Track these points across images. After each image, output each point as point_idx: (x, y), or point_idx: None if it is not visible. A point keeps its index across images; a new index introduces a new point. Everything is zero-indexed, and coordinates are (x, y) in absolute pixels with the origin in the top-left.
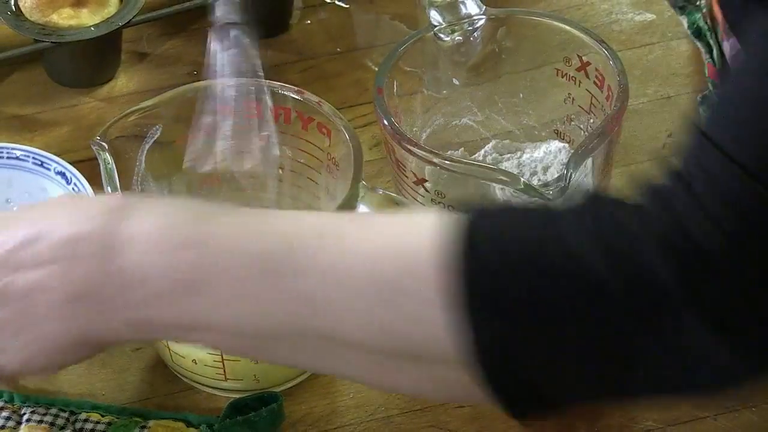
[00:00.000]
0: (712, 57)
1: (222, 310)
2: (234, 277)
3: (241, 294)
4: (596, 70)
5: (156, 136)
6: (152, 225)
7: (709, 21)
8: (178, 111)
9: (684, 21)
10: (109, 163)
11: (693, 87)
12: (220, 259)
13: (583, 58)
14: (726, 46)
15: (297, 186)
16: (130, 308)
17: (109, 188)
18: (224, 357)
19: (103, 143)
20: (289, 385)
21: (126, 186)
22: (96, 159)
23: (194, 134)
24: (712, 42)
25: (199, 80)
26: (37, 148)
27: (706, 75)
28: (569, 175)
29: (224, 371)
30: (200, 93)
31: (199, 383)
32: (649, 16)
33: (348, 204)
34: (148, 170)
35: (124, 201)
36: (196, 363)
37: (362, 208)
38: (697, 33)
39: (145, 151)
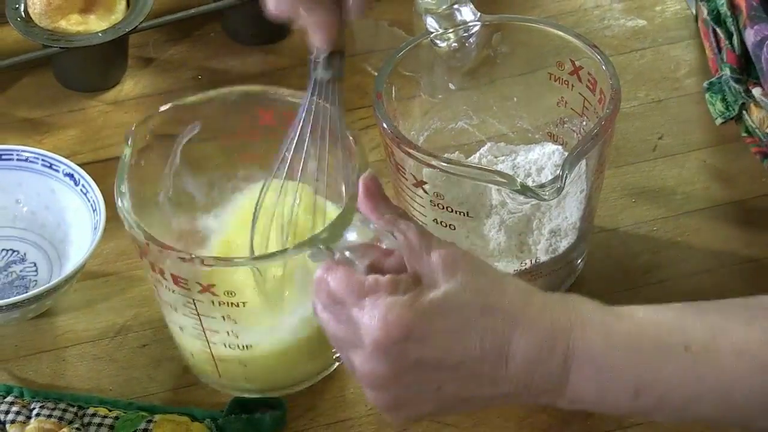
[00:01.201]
0: (731, 43)
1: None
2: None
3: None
4: (589, 74)
5: (194, 132)
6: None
7: (730, 8)
8: (218, 111)
9: (704, 7)
10: (126, 156)
11: (684, 90)
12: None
13: (576, 62)
14: (749, 33)
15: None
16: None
17: (117, 179)
18: (215, 356)
19: (129, 136)
20: (285, 392)
21: (154, 177)
22: (102, 161)
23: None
24: (732, 29)
25: (209, 86)
26: (46, 150)
27: (725, 60)
28: (565, 176)
29: (217, 369)
30: (253, 98)
31: (198, 375)
32: (641, 22)
33: (335, 231)
34: (183, 165)
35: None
36: (192, 356)
37: (350, 234)
38: (717, 19)
39: (181, 146)
